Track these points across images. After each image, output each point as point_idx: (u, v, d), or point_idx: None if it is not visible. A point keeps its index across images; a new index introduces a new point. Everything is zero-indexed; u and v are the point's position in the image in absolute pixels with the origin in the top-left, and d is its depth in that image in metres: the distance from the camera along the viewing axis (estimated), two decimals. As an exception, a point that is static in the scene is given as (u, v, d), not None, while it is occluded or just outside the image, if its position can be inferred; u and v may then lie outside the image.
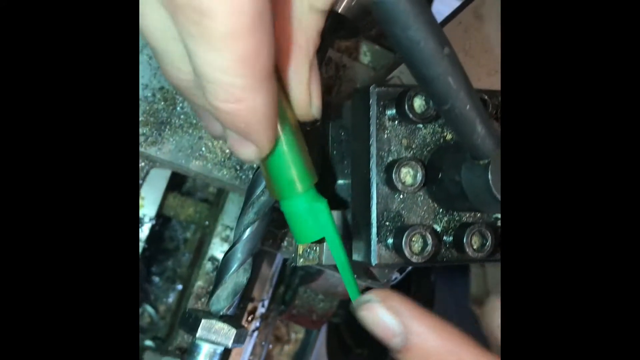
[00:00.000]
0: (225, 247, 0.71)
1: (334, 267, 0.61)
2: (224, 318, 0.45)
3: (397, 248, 0.43)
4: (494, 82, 0.61)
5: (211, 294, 0.46)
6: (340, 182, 0.51)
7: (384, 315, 0.39)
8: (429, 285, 0.80)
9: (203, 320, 0.44)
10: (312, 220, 0.42)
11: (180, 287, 0.93)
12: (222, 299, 0.45)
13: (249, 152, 0.38)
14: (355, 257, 0.47)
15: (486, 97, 0.45)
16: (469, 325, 0.81)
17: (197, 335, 0.43)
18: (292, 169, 0.40)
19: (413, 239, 0.43)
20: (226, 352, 0.46)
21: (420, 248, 0.43)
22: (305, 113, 0.41)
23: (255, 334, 0.71)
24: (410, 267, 0.72)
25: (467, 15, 0.62)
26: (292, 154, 0.40)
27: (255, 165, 0.56)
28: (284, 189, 0.41)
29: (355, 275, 0.60)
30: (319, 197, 0.42)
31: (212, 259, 0.70)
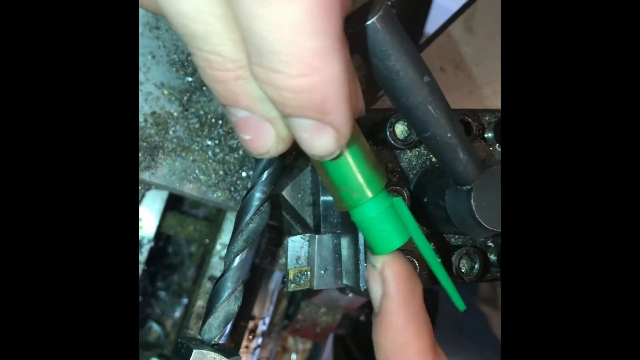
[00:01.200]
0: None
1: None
2: (216, 347, 0.45)
3: (385, 273, 0.43)
4: (485, 94, 0.61)
5: (203, 322, 0.46)
6: (329, 198, 0.51)
7: (374, 282, 0.41)
8: (431, 294, 0.80)
9: (195, 351, 0.44)
10: (390, 223, 0.38)
11: (186, 300, 0.94)
12: (214, 328, 0.45)
13: (328, 141, 0.31)
14: (346, 281, 0.47)
15: (469, 119, 0.45)
16: (480, 327, 0.81)
17: (189, 365, 0.44)
18: (360, 173, 0.36)
19: (400, 264, 0.43)
20: (221, 379, 0.46)
21: (407, 274, 0.43)
22: (354, 107, 0.35)
23: (258, 351, 0.71)
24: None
25: (457, 29, 0.62)
26: (357, 155, 0.35)
27: (249, 185, 0.56)
28: (354, 197, 0.36)
29: (351, 295, 0.60)
30: (391, 197, 0.38)
31: (212, 278, 0.71)
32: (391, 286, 0.40)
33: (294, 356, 1.05)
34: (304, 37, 0.26)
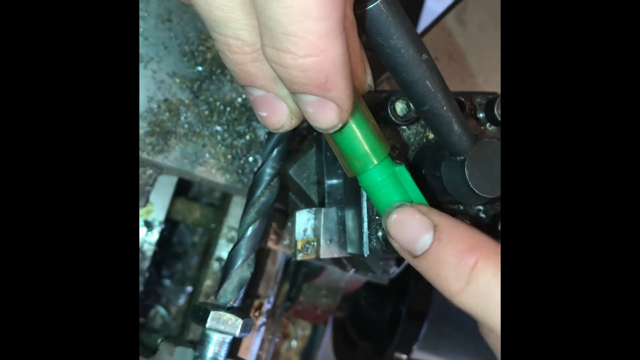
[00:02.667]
0: (231, 247, 0.75)
1: (333, 261, 0.65)
2: (231, 310, 0.49)
3: (386, 239, 0.47)
4: (477, 83, 0.65)
5: (218, 288, 0.50)
6: (334, 181, 0.55)
7: (415, 214, 0.41)
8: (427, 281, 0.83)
9: (212, 312, 0.48)
10: (393, 188, 0.42)
11: (190, 289, 0.97)
12: (229, 292, 0.49)
13: (331, 115, 0.35)
14: (350, 250, 0.51)
15: (462, 99, 0.49)
16: (468, 323, 0.85)
17: (207, 325, 0.47)
18: (365, 142, 0.39)
19: (400, 230, 0.47)
20: (235, 342, 0.50)
21: (407, 239, 0.47)
22: (362, 82, 0.40)
23: (263, 329, 0.75)
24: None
25: (450, 21, 0.66)
26: (362, 127, 0.39)
27: (255, 169, 0.60)
28: (360, 164, 0.40)
29: (354, 270, 0.64)
30: (395, 163, 0.42)
31: (219, 259, 0.75)
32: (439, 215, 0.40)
33: (294, 343, 1.09)
34: (312, 21, 0.30)
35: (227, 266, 0.49)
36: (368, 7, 0.37)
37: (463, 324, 0.86)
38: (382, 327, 0.88)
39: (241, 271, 0.49)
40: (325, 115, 0.35)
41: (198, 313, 0.49)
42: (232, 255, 0.49)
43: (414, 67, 0.39)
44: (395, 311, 0.85)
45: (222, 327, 0.48)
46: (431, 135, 0.50)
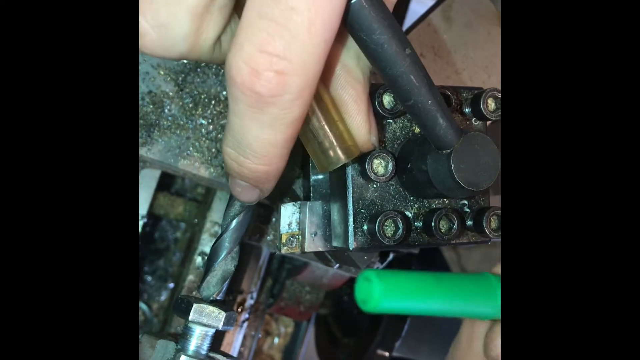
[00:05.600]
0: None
1: (317, 256, 0.64)
2: (214, 303, 0.49)
3: (371, 233, 0.47)
4: (462, 79, 0.66)
5: (201, 281, 0.49)
6: (319, 177, 0.55)
7: None
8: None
9: (195, 305, 0.47)
10: None
11: (172, 285, 0.96)
12: (212, 285, 0.49)
13: (254, 197, 0.44)
14: (335, 243, 0.50)
15: (449, 93, 0.49)
16: (452, 326, 0.85)
17: (190, 318, 0.47)
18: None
19: (385, 223, 0.47)
20: (217, 335, 0.50)
21: (392, 232, 0.47)
22: (366, 140, 0.44)
23: (245, 325, 0.75)
24: (391, 257, 0.75)
25: (436, 18, 0.67)
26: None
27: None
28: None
29: (338, 265, 0.64)
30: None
31: (202, 253, 0.74)
32: None
33: (276, 340, 1.08)
34: (275, 148, 0.38)
35: (211, 258, 0.49)
36: (350, 3, 0.37)
37: (443, 329, 0.87)
38: (365, 324, 0.89)
39: (225, 264, 0.49)
40: (249, 196, 0.44)
41: (181, 305, 0.48)
42: (215, 247, 0.49)
43: (397, 62, 0.39)
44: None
45: (205, 319, 0.47)
46: (418, 129, 0.50)
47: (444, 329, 0.85)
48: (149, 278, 0.98)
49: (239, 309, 0.73)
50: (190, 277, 0.74)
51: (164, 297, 0.99)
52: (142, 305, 0.89)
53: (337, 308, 0.93)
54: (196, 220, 0.80)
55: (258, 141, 0.37)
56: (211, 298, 0.49)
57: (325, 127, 0.42)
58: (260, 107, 0.35)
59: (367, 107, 0.44)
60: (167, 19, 0.36)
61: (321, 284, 0.81)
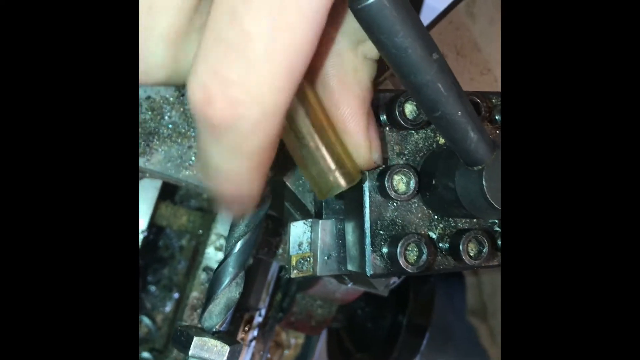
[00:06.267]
0: (220, 256, 0.70)
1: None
2: (217, 334, 0.44)
3: (392, 257, 0.42)
4: (487, 81, 0.60)
5: (203, 309, 0.44)
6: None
7: None
8: (428, 291, 0.79)
9: (195, 338, 0.42)
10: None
11: (177, 295, 0.92)
12: (215, 315, 0.44)
13: (237, 212, 0.43)
14: (350, 267, 0.45)
15: (478, 100, 0.44)
16: (468, 337, 0.80)
17: (190, 353, 0.42)
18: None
19: (408, 248, 0.42)
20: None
21: (415, 257, 0.42)
22: (367, 159, 0.41)
23: (253, 343, 0.70)
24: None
25: (458, 14, 0.61)
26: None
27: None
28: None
29: (351, 283, 0.59)
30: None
31: (207, 268, 0.69)
32: None
33: (286, 352, 1.04)
34: (241, 175, 0.35)
35: (213, 285, 0.44)
36: (368, 2, 0.32)
37: (455, 337, 0.83)
38: (380, 338, 0.84)
39: (229, 291, 0.44)
40: (231, 211, 0.43)
41: (180, 339, 0.44)
42: (218, 272, 0.44)
43: (423, 69, 0.34)
44: (394, 323, 0.81)
45: (206, 355, 0.42)
46: (442, 140, 0.45)
47: (463, 345, 0.80)
48: (152, 288, 0.94)
49: (246, 327, 0.69)
50: (194, 294, 0.69)
51: (168, 307, 0.94)
52: (145, 319, 0.85)
53: (350, 321, 0.89)
54: (201, 231, 0.75)
55: (222, 166, 0.35)
56: (214, 329, 0.44)
57: (323, 149, 0.38)
58: (216, 135, 0.32)
59: (367, 123, 0.40)
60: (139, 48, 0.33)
61: (334, 298, 0.77)
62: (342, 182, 0.39)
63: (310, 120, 0.38)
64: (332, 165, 0.39)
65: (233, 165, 0.34)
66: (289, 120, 0.37)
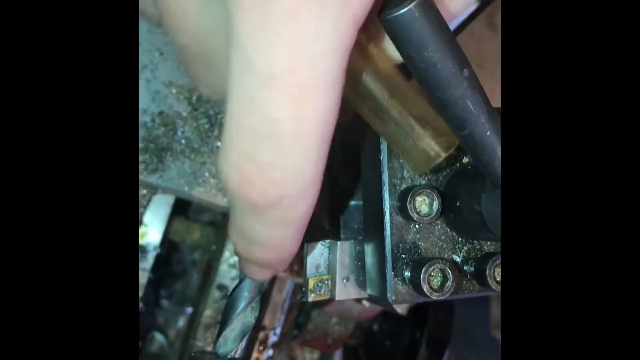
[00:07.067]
0: (233, 273, 0.68)
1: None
2: (232, 362, 0.42)
3: (414, 283, 0.40)
4: (510, 95, 0.58)
5: (218, 335, 0.43)
6: (351, 203, 0.49)
7: None
8: (447, 306, 0.76)
9: (209, 366, 0.41)
10: None
11: (190, 310, 0.90)
12: (230, 341, 0.42)
13: (267, 275, 0.41)
14: (370, 291, 0.44)
15: (505, 118, 0.42)
16: (492, 347, 0.78)
17: (204, 382, 0.41)
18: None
19: (432, 274, 0.40)
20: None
21: (439, 283, 0.40)
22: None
23: (268, 363, 0.68)
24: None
25: (479, 25, 0.59)
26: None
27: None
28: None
29: (368, 304, 0.57)
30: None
31: (220, 286, 0.68)
32: None
33: (301, 367, 1.02)
34: (284, 240, 0.35)
35: (228, 310, 0.43)
36: (398, 13, 0.30)
37: (479, 343, 0.80)
38: (399, 356, 0.82)
39: (244, 316, 0.42)
40: (262, 275, 0.41)
41: (194, 366, 0.42)
42: (234, 297, 0.43)
43: (452, 85, 0.32)
44: (413, 340, 0.78)
45: (221, 383, 0.41)
46: (466, 159, 0.43)
47: (479, 340, 0.78)
48: (165, 303, 0.93)
49: (261, 347, 0.67)
50: (208, 312, 0.68)
51: (181, 322, 0.93)
52: (158, 335, 0.83)
53: (367, 338, 0.86)
54: (214, 247, 0.74)
55: (264, 238, 0.35)
56: (229, 356, 0.42)
57: (410, 120, 0.35)
58: (259, 212, 0.33)
59: None
60: None
61: (350, 315, 0.75)
62: (441, 150, 0.36)
63: (397, 91, 0.35)
64: (426, 135, 0.36)
65: (277, 235, 0.35)
66: (369, 99, 0.35)
